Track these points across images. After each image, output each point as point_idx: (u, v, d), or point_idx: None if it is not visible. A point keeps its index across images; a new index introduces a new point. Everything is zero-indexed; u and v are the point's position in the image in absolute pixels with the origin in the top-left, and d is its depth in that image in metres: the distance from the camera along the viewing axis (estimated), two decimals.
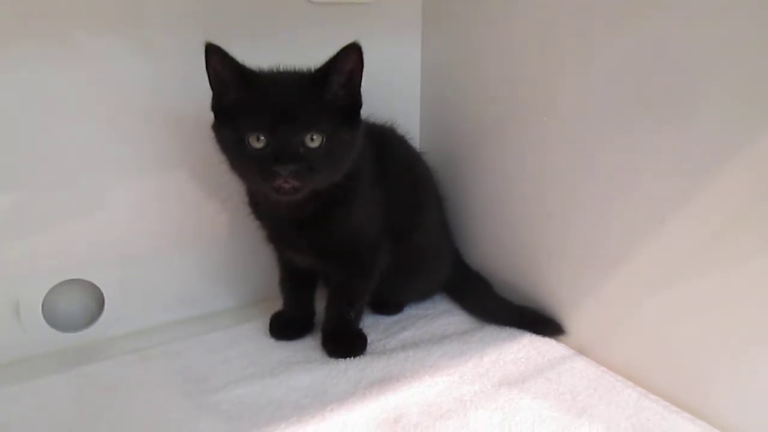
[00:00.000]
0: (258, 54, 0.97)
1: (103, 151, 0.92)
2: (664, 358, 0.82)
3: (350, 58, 0.78)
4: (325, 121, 0.77)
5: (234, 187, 0.90)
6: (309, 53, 1.02)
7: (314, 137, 0.77)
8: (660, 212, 0.79)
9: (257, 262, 1.06)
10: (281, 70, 0.82)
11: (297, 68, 0.82)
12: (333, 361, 0.89)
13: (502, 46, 0.98)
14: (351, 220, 0.87)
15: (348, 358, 0.89)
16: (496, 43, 0.99)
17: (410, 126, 1.09)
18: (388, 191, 0.91)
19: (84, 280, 0.95)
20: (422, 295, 1.08)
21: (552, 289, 0.97)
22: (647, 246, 0.82)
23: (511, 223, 1.02)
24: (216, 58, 0.77)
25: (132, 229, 0.97)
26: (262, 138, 0.76)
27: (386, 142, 0.96)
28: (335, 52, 0.78)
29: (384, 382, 0.84)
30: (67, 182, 0.91)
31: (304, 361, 0.89)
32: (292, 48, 1.00)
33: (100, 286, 0.95)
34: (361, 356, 0.91)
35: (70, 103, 0.88)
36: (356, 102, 0.82)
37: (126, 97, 0.91)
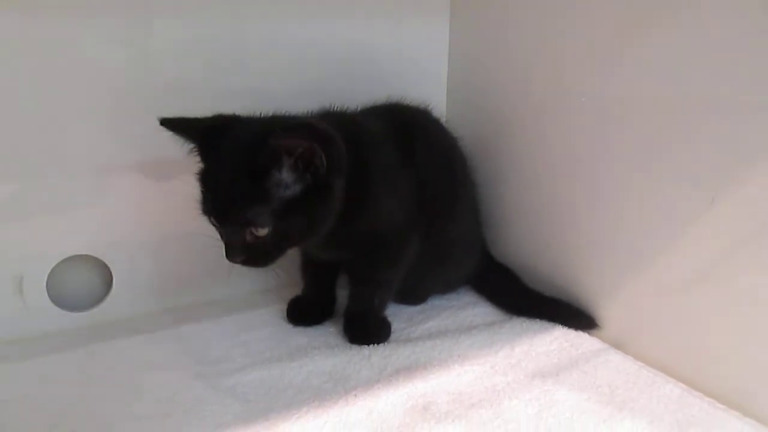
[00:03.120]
0: (286, 29, 0.96)
1: (117, 133, 0.88)
2: (707, 354, 0.77)
3: (297, 147, 0.69)
4: (268, 211, 0.71)
5: None
6: (337, 27, 1.00)
7: (259, 230, 0.72)
8: (708, 193, 0.74)
9: None
10: (239, 129, 0.74)
11: (261, 121, 0.76)
12: (355, 347, 0.85)
13: (537, 26, 0.95)
14: (372, 213, 0.81)
15: (371, 345, 0.85)
16: (531, 22, 0.96)
17: (435, 110, 1.04)
18: (418, 176, 0.87)
19: (92, 259, 0.90)
20: (449, 286, 1.03)
21: (584, 280, 0.92)
22: (688, 234, 0.77)
23: (542, 211, 0.97)
24: (173, 131, 0.75)
25: (145, 208, 0.92)
26: (214, 222, 0.74)
27: (418, 124, 0.92)
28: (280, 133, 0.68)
29: (410, 369, 0.79)
30: (78, 164, 0.87)
31: (325, 347, 0.84)
32: (320, 22, 0.98)
33: (108, 264, 0.90)
34: (385, 344, 0.86)
35: (75, 90, 0.85)
36: (319, 174, 0.71)
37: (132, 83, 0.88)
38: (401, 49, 1.07)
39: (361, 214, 0.79)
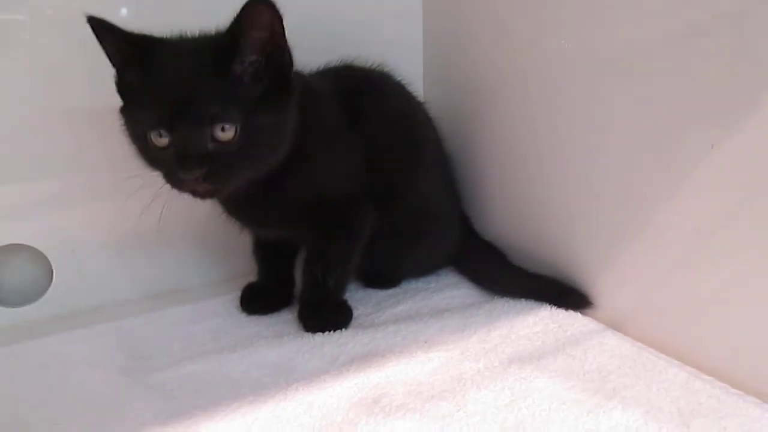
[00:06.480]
0: None
1: (66, 127, 0.81)
2: (718, 333, 0.65)
3: (259, 19, 0.62)
4: (236, 105, 0.63)
5: None
6: None
7: (225, 128, 0.62)
8: (707, 140, 0.63)
9: (234, 235, 0.93)
10: (184, 38, 0.68)
11: (204, 33, 0.68)
12: (308, 335, 0.75)
13: None
14: (312, 180, 0.73)
15: (326, 332, 0.75)
16: None
17: (412, 74, 0.94)
18: (369, 142, 0.78)
19: (30, 249, 0.82)
20: (425, 266, 0.92)
21: (576, 255, 0.80)
22: (687, 199, 0.66)
23: (527, 181, 0.86)
24: (101, 33, 0.64)
25: (90, 197, 0.85)
26: (164, 137, 0.63)
27: (370, 87, 0.83)
28: (238, 12, 0.62)
29: (367, 358, 0.69)
30: (15, 151, 0.80)
31: (275, 336, 0.76)
32: None
33: (47, 255, 0.83)
34: (343, 330, 0.76)
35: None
36: (283, 66, 0.66)
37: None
38: (372, 7, 0.98)
39: (302, 179, 0.71)
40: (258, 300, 0.83)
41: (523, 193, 0.88)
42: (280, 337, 0.75)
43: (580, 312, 0.78)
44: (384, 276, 0.89)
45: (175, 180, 0.64)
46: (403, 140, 0.83)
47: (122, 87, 0.67)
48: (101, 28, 0.64)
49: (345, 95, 0.77)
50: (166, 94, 0.63)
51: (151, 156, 0.66)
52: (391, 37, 0.98)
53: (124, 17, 0.80)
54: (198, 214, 0.91)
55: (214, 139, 0.62)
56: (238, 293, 0.86)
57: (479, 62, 0.92)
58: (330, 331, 0.75)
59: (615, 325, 0.75)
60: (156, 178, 0.68)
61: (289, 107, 0.67)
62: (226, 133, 0.62)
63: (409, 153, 0.84)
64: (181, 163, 0.62)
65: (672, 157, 0.67)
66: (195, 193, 0.65)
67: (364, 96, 0.80)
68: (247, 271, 0.89)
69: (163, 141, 0.63)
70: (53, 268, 0.84)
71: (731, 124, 0.61)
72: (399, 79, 0.88)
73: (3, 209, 0.81)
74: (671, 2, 0.64)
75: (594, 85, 0.74)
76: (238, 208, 0.76)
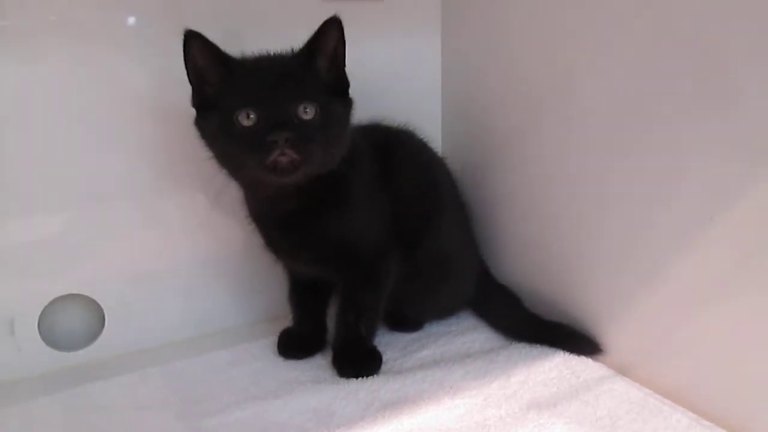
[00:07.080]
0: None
1: (107, 170, 0.88)
2: (719, 380, 0.72)
3: (331, 35, 0.75)
4: (315, 92, 0.74)
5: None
6: None
7: (308, 109, 0.73)
8: (708, 210, 0.70)
9: (271, 276, 1.00)
10: (261, 54, 0.79)
11: (277, 52, 0.79)
12: (343, 381, 0.81)
13: (530, 41, 0.91)
14: (345, 222, 0.81)
15: (360, 378, 0.82)
16: (523, 37, 0.92)
17: (431, 129, 1.02)
18: (396, 196, 0.86)
19: (84, 297, 0.89)
20: (444, 311, 0.99)
21: (587, 302, 0.87)
22: (696, 251, 0.72)
23: (542, 231, 0.93)
24: (197, 45, 0.73)
25: (136, 244, 0.92)
26: (252, 115, 0.72)
27: (398, 144, 0.90)
28: (315, 30, 0.76)
29: (398, 404, 0.76)
30: (68, 200, 0.87)
31: (312, 381, 0.82)
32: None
33: (100, 302, 0.90)
34: (375, 376, 0.82)
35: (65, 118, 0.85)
36: (343, 81, 0.79)
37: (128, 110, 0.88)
38: (393, 67, 1.05)
39: (338, 217, 0.81)
40: (294, 345, 0.89)
41: (538, 241, 0.94)
42: (317, 382, 0.81)
43: (592, 358, 0.84)
44: (408, 319, 0.95)
45: (260, 151, 0.70)
46: (427, 193, 0.91)
47: (201, 99, 0.76)
48: (198, 41, 0.73)
49: (376, 151, 0.85)
50: (259, 80, 0.74)
51: (234, 137, 0.73)
52: (413, 100, 1.04)
53: (132, 25, 0.87)
54: (236, 254, 0.98)
55: (297, 116, 0.72)
56: (272, 337, 0.92)
57: (495, 121, 0.99)
58: (363, 377, 0.82)
59: (623, 371, 0.81)
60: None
61: (350, 112, 0.79)
62: (308, 113, 0.73)
63: (433, 204, 0.91)
64: (272, 127, 0.70)
65: (682, 214, 0.73)
66: (277, 166, 0.71)
67: (393, 152, 0.87)
68: (279, 315, 0.96)
69: (250, 120, 0.72)
70: (105, 313, 0.90)
71: (731, 198, 0.67)
72: (421, 137, 0.96)
73: (59, 263, 0.88)
74: (679, 80, 0.71)
75: (608, 138, 0.80)
76: (276, 236, 0.84)
